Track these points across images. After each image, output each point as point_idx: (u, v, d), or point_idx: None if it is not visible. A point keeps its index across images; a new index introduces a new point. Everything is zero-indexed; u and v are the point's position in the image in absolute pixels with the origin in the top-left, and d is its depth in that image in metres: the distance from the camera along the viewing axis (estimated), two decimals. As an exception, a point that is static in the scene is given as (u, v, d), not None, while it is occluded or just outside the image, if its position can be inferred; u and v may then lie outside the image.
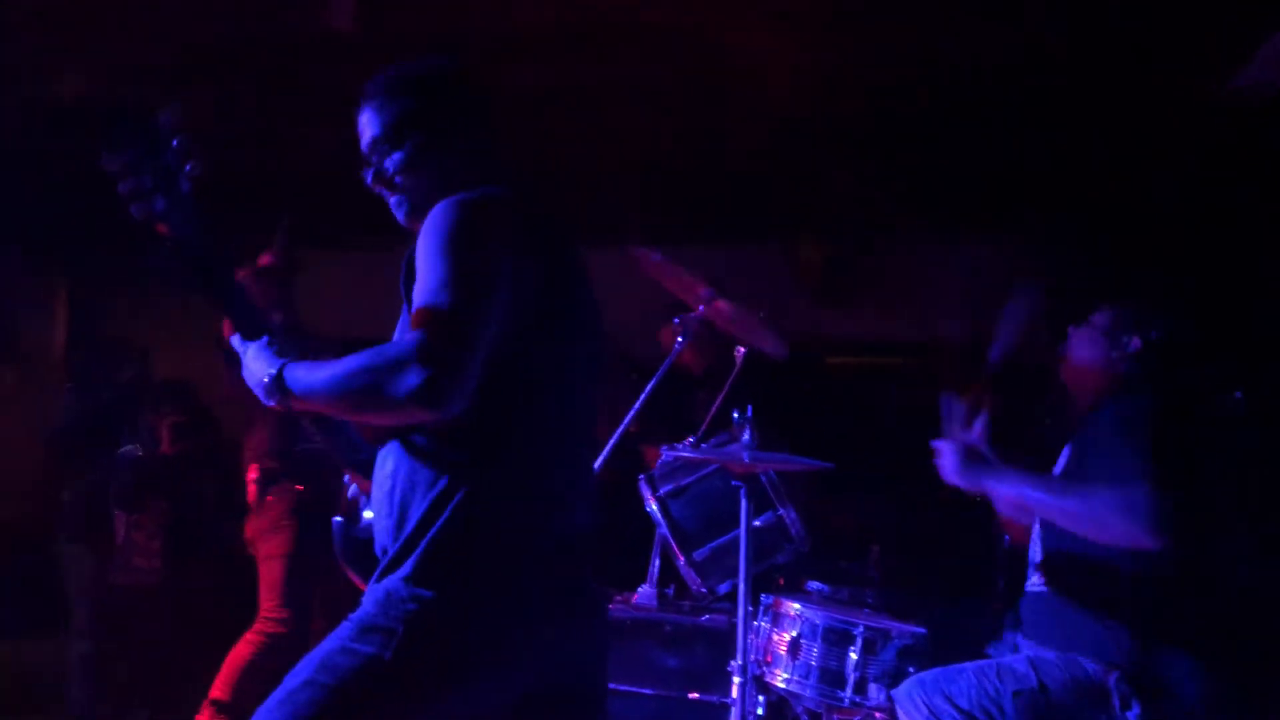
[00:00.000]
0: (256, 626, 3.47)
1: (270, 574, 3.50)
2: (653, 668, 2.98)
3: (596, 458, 1.83)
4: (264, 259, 3.57)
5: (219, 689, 3.35)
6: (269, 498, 3.55)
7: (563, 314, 1.67)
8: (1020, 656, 2.33)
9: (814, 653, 2.63)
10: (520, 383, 1.61)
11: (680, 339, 2.96)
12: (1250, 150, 4.23)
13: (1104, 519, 2.16)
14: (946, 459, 2.39)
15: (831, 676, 2.61)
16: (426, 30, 3.81)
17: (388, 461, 1.68)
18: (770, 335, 2.95)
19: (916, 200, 5.38)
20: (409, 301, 1.58)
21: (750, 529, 2.53)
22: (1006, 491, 2.36)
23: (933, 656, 2.64)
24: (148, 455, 4.31)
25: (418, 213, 1.74)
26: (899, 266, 5.83)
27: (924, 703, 2.25)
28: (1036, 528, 2.54)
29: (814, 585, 3.22)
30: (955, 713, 2.22)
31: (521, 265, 1.59)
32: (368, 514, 1.83)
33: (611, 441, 2.92)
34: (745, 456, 2.46)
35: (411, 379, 1.42)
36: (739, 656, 2.46)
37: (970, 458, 2.37)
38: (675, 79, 4.27)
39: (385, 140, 1.77)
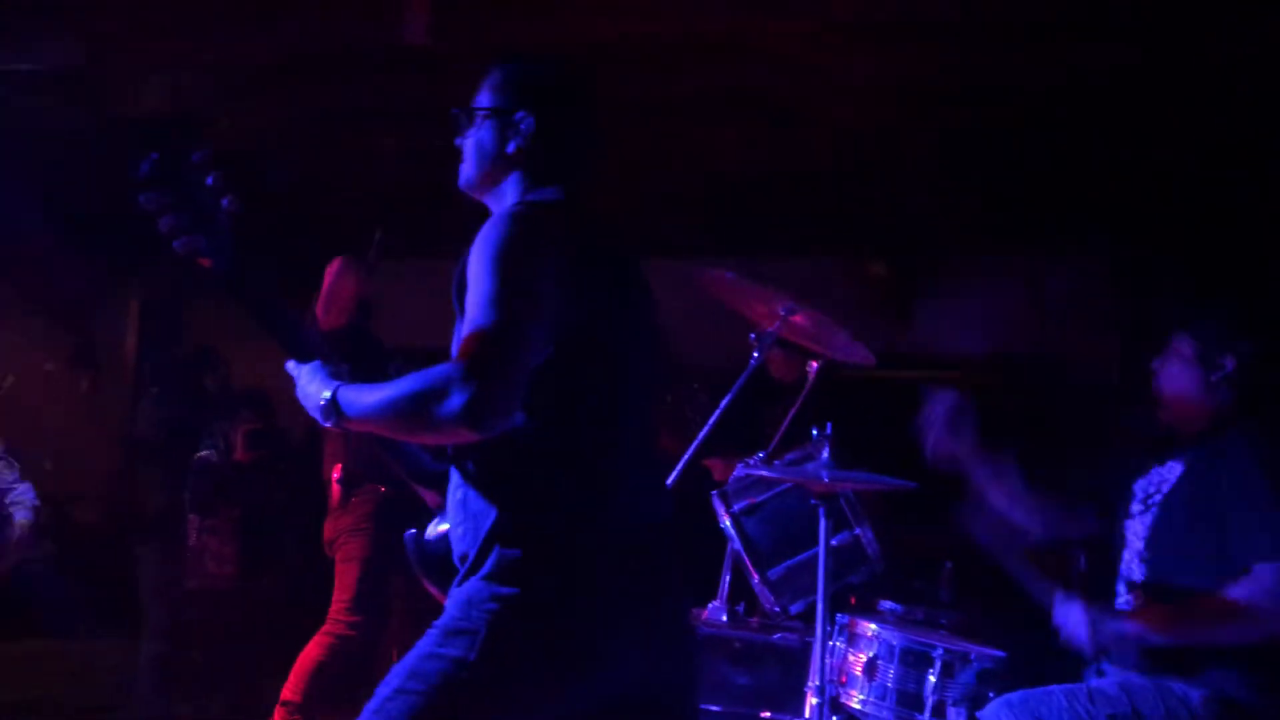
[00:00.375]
0: (326, 628, 3.51)
1: (346, 576, 3.53)
2: (723, 685, 2.96)
3: (659, 459, 1.84)
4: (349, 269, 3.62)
5: (289, 690, 3.40)
6: (353, 499, 3.58)
7: (618, 321, 1.71)
8: (1109, 680, 2.29)
9: (891, 674, 2.59)
10: (578, 384, 1.64)
11: (756, 354, 2.95)
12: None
13: (1239, 629, 2.17)
14: (1075, 628, 2.33)
15: (909, 699, 2.57)
16: (497, 43, 3.85)
17: (456, 470, 1.71)
18: (857, 345, 2.92)
19: (982, 214, 5.33)
20: (462, 310, 1.61)
21: (830, 549, 2.51)
22: (1142, 632, 2.30)
23: (1012, 681, 2.60)
24: (222, 461, 4.40)
25: (475, 185, 1.83)
26: (962, 280, 5.76)
27: None
28: (1135, 545, 2.49)
29: (887, 605, 3.17)
30: None
31: (572, 273, 1.62)
32: (442, 526, 1.84)
33: (685, 456, 2.92)
34: (825, 476, 2.44)
35: (454, 402, 1.44)
36: (815, 677, 2.44)
37: (1095, 620, 2.31)
38: (746, 93, 4.28)
39: (480, 111, 1.81)
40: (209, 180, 1.61)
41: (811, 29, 3.74)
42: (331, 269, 3.63)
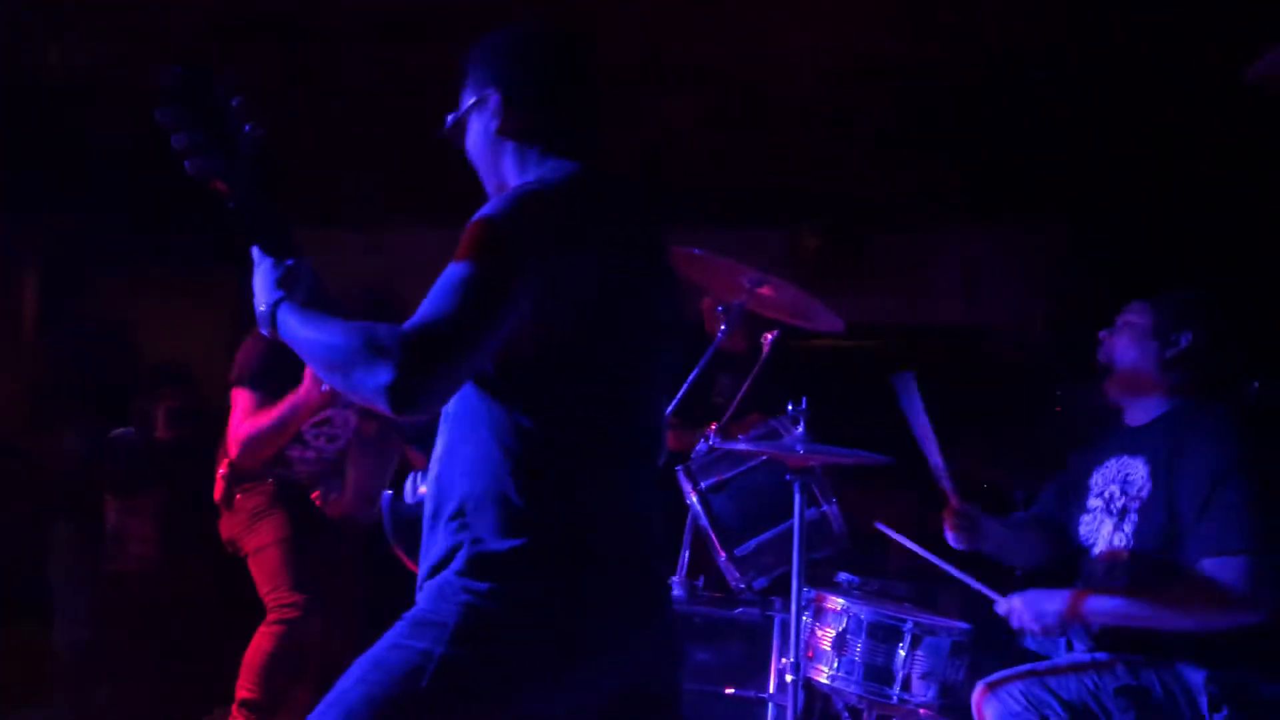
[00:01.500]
0: (269, 618, 3.33)
1: (266, 565, 3.35)
2: (684, 662, 2.93)
3: (661, 453, 1.76)
4: None
5: (245, 689, 3.23)
6: (237, 495, 3.42)
7: (624, 306, 1.60)
8: (1105, 655, 2.30)
9: (860, 648, 2.58)
10: (579, 371, 1.55)
11: (724, 326, 2.90)
12: (1260, 142, 4.25)
13: (1200, 620, 2.18)
14: (1022, 619, 2.33)
15: (878, 673, 2.56)
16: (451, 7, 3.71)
17: (441, 440, 1.62)
18: (827, 313, 2.89)
19: (917, 188, 5.37)
20: None
21: (797, 526, 2.49)
22: (1097, 617, 2.32)
23: (977, 653, 2.62)
24: (142, 440, 4.18)
25: (480, 168, 1.73)
26: (897, 253, 5.82)
27: (1024, 694, 2.23)
28: (1116, 555, 2.49)
29: (844, 577, 3.18)
30: (1059, 706, 2.20)
31: (569, 257, 1.52)
32: (422, 489, 1.75)
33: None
34: (800, 449, 2.41)
35: (381, 375, 1.37)
36: (791, 654, 2.41)
37: (1043, 606, 2.32)
38: (686, 65, 4.21)
39: (468, 89, 1.72)
40: (234, 102, 1.51)
41: (755, 2, 3.69)
42: None
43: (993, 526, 2.61)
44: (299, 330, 1.52)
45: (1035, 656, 2.65)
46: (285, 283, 1.57)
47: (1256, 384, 3.75)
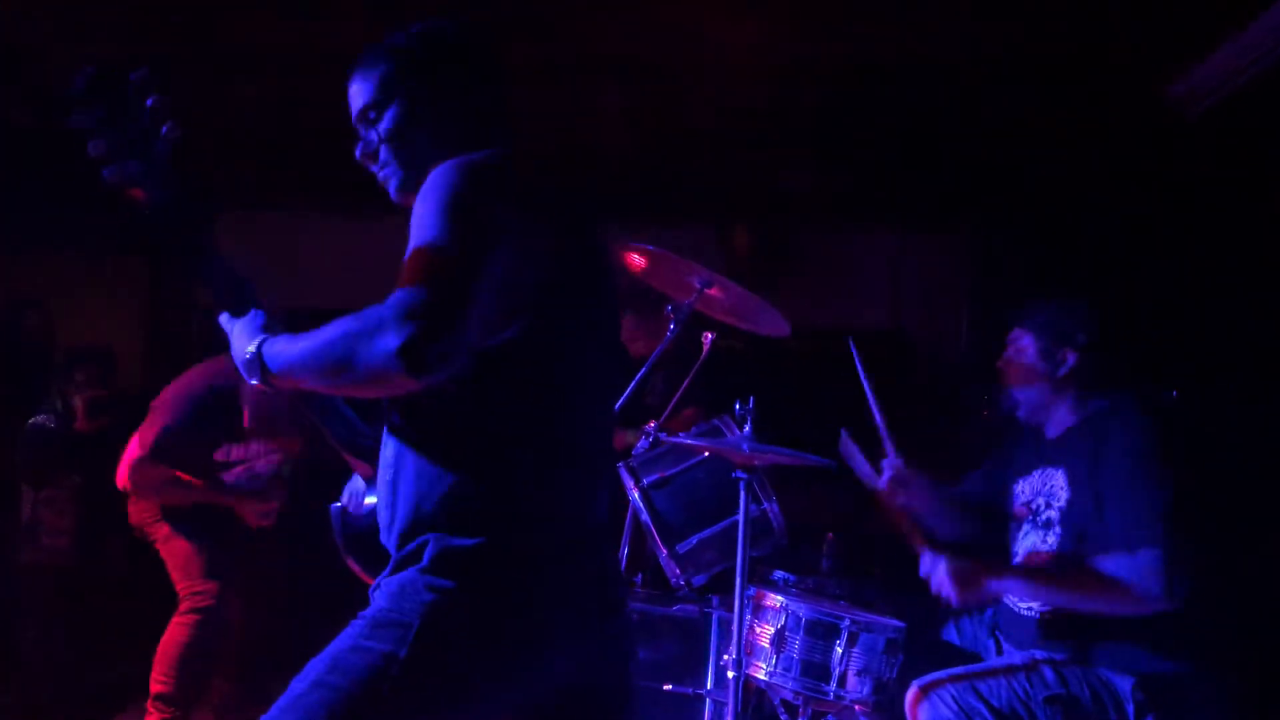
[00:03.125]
0: (182, 608, 3.26)
1: (177, 554, 3.30)
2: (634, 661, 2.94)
3: (609, 453, 1.76)
4: None
5: (159, 681, 3.15)
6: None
7: (575, 290, 1.58)
8: (1037, 655, 2.37)
9: (798, 645, 2.62)
10: (530, 364, 1.52)
11: (672, 326, 2.91)
12: (1182, 158, 4.42)
13: (1115, 605, 2.24)
14: (944, 583, 2.37)
15: (816, 670, 2.60)
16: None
17: (388, 447, 1.59)
18: (773, 314, 2.91)
19: (850, 190, 5.46)
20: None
21: (737, 522, 2.51)
22: (1013, 591, 2.38)
23: (911, 649, 2.68)
24: (60, 428, 4.03)
25: (409, 185, 1.63)
26: (827, 254, 5.90)
27: (955, 699, 2.27)
28: (1029, 539, 2.57)
29: (779, 575, 3.23)
30: (989, 713, 2.25)
31: (528, 233, 1.49)
32: (370, 499, 1.73)
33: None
34: (745, 447, 2.43)
35: (390, 340, 1.29)
36: (733, 651, 2.44)
37: (965, 575, 2.35)
38: (621, 59, 4.21)
39: (372, 107, 1.65)
40: (149, 102, 1.43)
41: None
42: None
43: (927, 488, 2.71)
44: (289, 351, 1.46)
45: (967, 655, 2.73)
46: (266, 327, 1.53)
47: (1175, 392, 3.90)
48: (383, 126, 1.65)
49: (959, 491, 2.85)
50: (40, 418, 4.05)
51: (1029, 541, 2.55)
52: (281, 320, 1.54)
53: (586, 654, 1.59)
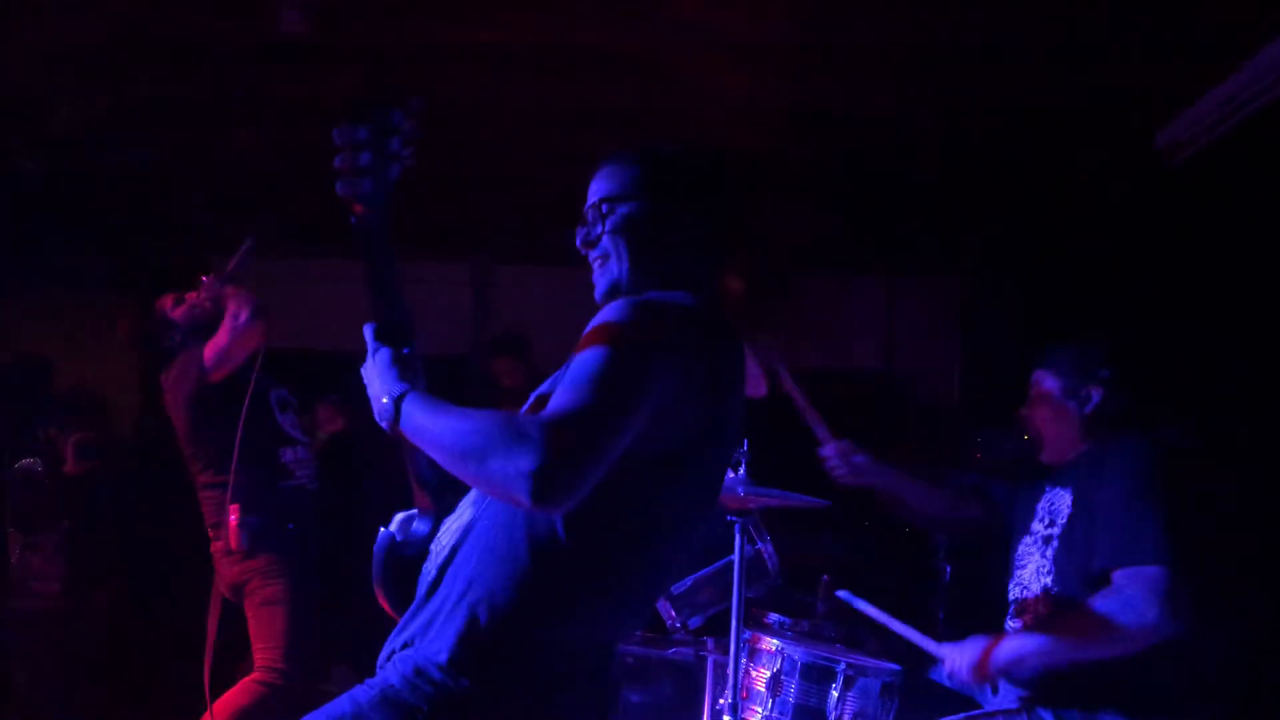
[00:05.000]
0: (255, 675, 3.19)
1: (271, 622, 3.19)
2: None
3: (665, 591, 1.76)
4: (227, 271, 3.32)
5: None
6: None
7: (705, 451, 1.56)
8: (1031, 700, 2.36)
9: (793, 689, 2.61)
10: (638, 514, 1.51)
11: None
12: (1168, 204, 4.48)
13: (1118, 642, 2.21)
14: (959, 669, 2.38)
15: (811, 714, 2.59)
16: (382, 39, 3.70)
17: (465, 517, 1.59)
18: (754, 374, 2.92)
19: (840, 234, 5.51)
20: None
21: (731, 564, 2.52)
22: (1020, 654, 2.35)
23: (907, 694, 2.67)
24: (48, 472, 4.00)
25: (613, 290, 1.66)
26: (820, 298, 5.95)
27: None
28: (1039, 578, 2.57)
29: (774, 618, 3.21)
30: None
31: (682, 393, 1.47)
32: (416, 525, 1.71)
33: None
34: (740, 490, 2.44)
35: (525, 462, 1.31)
36: (729, 695, 2.43)
37: (975, 657, 2.36)
38: (616, 105, 4.26)
39: (609, 201, 1.67)
40: (404, 129, 1.47)
41: (689, 46, 3.76)
42: (206, 290, 3.29)
43: (881, 468, 2.72)
44: (426, 420, 1.46)
45: (960, 696, 2.72)
46: (406, 374, 1.53)
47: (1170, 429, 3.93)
48: (611, 222, 1.66)
49: (972, 485, 2.86)
50: (28, 461, 4.02)
51: (1034, 555, 2.54)
52: (420, 364, 1.56)
53: None
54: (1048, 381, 2.62)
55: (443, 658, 1.47)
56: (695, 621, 2.82)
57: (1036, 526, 2.60)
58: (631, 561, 1.53)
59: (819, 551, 3.94)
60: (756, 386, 2.96)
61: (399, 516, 1.73)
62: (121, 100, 4.05)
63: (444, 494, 1.66)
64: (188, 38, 3.71)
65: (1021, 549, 2.61)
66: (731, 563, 2.57)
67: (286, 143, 4.36)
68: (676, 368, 1.46)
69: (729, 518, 2.45)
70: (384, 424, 1.52)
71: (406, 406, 1.50)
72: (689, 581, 2.73)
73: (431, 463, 1.63)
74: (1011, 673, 2.43)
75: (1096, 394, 2.55)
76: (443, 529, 1.63)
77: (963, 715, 2.38)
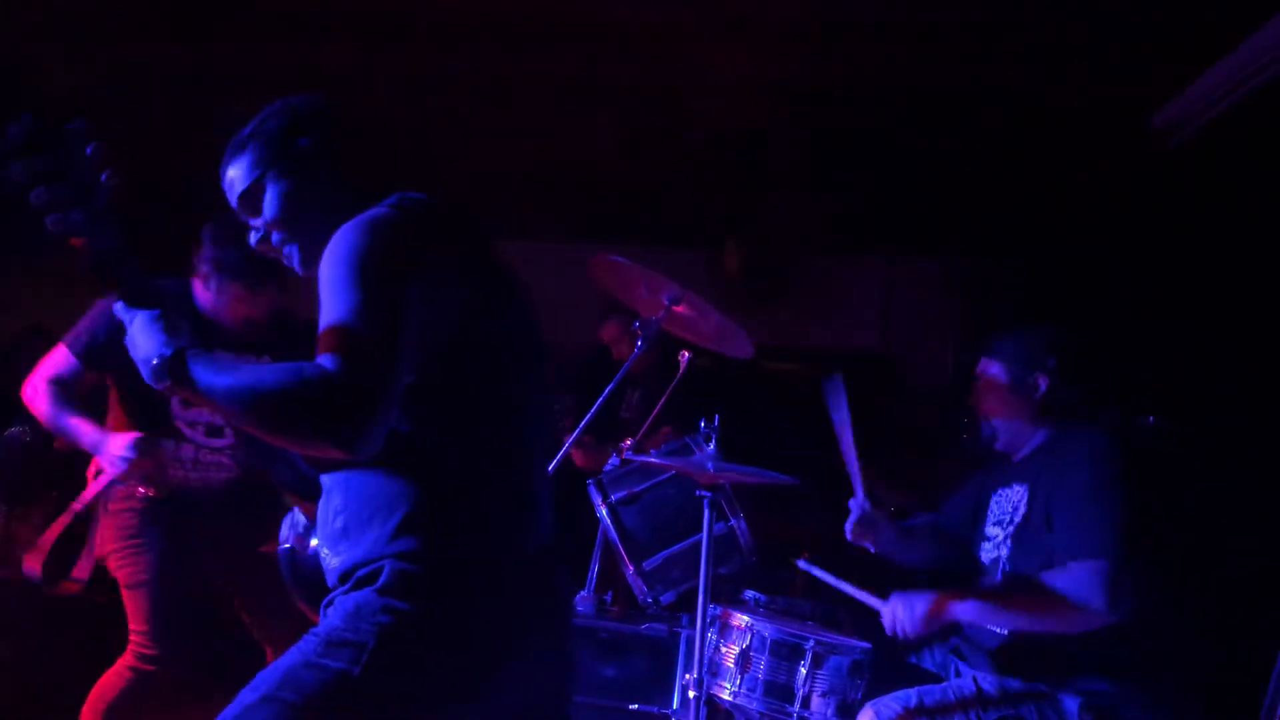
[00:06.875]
0: (125, 658, 3.11)
1: (136, 602, 3.08)
2: (590, 676, 2.91)
3: (549, 466, 1.76)
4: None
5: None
6: (110, 506, 3.08)
7: (497, 321, 1.61)
8: (989, 680, 2.36)
9: (762, 666, 2.60)
10: (463, 398, 1.55)
11: (640, 343, 2.91)
12: (1165, 185, 4.43)
13: (1062, 620, 2.24)
14: (898, 619, 2.39)
15: (779, 690, 2.58)
16: (373, 7, 3.68)
17: (334, 493, 1.61)
18: (739, 335, 2.91)
19: (837, 214, 5.47)
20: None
21: (705, 541, 2.50)
22: (967, 615, 2.38)
23: (876, 671, 2.66)
24: (38, 442, 4.01)
25: (311, 259, 1.65)
26: (817, 278, 5.92)
27: None
28: (988, 564, 2.56)
29: (750, 594, 3.20)
30: None
31: (442, 278, 1.52)
32: (314, 541, 1.73)
33: (565, 446, 2.85)
34: (710, 466, 2.42)
35: (326, 423, 1.34)
36: (695, 670, 2.42)
37: (914, 609, 2.37)
38: (617, 81, 4.23)
39: (249, 195, 1.68)
40: (88, 150, 1.42)
41: (699, 21, 3.73)
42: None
43: (888, 530, 2.73)
44: (213, 378, 1.44)
45: (932, 676, 2.71)
46: (172, 331, 1.50)
47: (1152, 419, 3.90)
48: (266, 210, 1.68)
49: (931, 522, 2.85)
50: (15, 430, 4.03)
51: (990, 556, 2.54)
52: (184, 327, 1.52)
53: (539, 676, 1.62)
54: (993, 369, 2.61)
55: (376, 587, 1.48)
56: (668, 597, 2.81)
57: (993, 530, 2.59)
58: (473, 441, 1.56)
59: (801, 528, 3.92)
60: (744, 348, 2.96)
61: (286, 529, 1.74)
62: (118, 68, 4.04)
63: (316, 488, 1.67)
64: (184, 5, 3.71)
65: (983, 554, 2.60)
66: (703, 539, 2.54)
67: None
68: (422, 259, 1.50)
69: (699, 493, 2.43)
70: (162, 385, 1.48)
71: (191, 365, 1.46)
72: (661, 557, 2.72)
73: (290, 466, 1.68)
74: (960, 628, 2.49)
75: (1043, 382, 2.54)
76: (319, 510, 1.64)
77: (919, 692, 2.37)
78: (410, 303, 1.45)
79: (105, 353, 2.93)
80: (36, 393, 2.98)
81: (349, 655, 1.45)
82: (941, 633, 2.62)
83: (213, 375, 1.44)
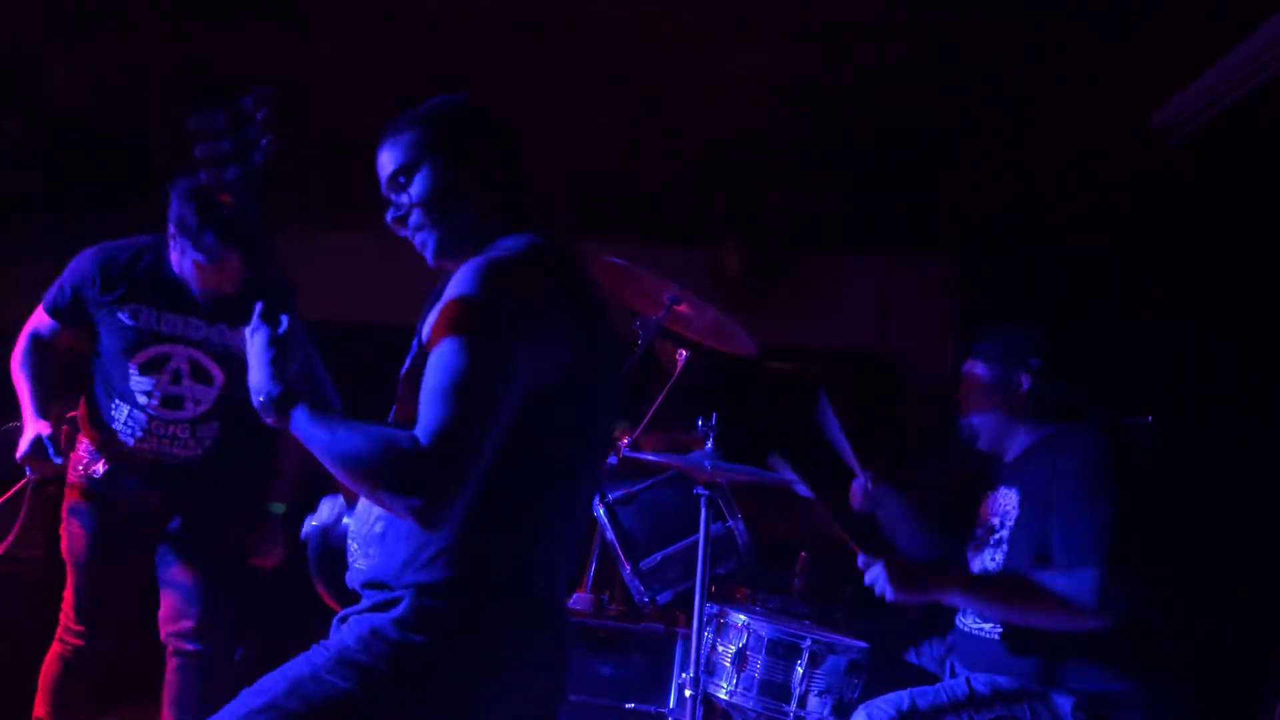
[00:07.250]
0: (56, 638, 3.15)
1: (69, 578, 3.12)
2: (587, 675, 2.92)
3: (587, 516, 1.79)
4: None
5: (39, 707, 3.10)
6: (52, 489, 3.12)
7: (585, 384, 1.61)
8: (982, 681, 2.36)
9: (759, 665, 2.60)
10: (533, 451, 1.56)
11: (640, 342, 2.91)
12: (1164, 184, 4.43)
13: (1052, 618, 2.24)
14: (880, 579, 2.37)
15: (776, 690, 2.58)
16: (373, 7, 3.67)
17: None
18: (740, 333, 2.91)
19: (836, 212, 5.47)
20: (421, 340, 1.56)
21: (702, 539, 2.50)
22: (950, 599, 2.38)
23: (874, 671, 2.66)
24: (35, 435, 3.99)
25: (444, 250, 1.69)
26: (816, 276, 5.91)
27: None
28: (983, 557, 2.56)
29: (747, 594, 3.21)
30: None
31: (548, 337, 1.53)
32: (346, 520, 1.72)
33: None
34: (707, 465, 2.42)
35: (411, 498, 1.38)
36: (691, 669, 2.42)
37: (904, 574, 2.36)
38: (617, 79, 4.23)
39: (402, 172, 1.69)
40: (259, 115, 1.49)
41: (700, 17, 3.72)
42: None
43: (894, 502, 2.75)
44: (311, 429, 1.51)
45: (928, 675, 2.71)
46: (280, 367, 1.56)
47: (1150, 418, 3.89)
48: (414, 190, 1.68)
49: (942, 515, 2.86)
50: (14, 425, 4.02)
51: (981, 560, 2.54)
52: (304, 341, 1.60)
53: (536, 696, 1.64)
54: (978, 369, 2.61)
55: (395, 617, 1.50)
56: (664, 597, 2.81)
57: (985, 534, 2.58)
58: (533, 497, 1.58)
59: (800, 528, 3.92)
60: (745, 345, 2.96)
61: (325, 506, 1.74)
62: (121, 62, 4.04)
63: None
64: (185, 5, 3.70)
65: (977, 559, 2.60)
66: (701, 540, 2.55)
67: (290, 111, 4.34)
68: (535, 331, 1.51)
69: (696, 490, 2.43)
70: (268, 420, 1.57)
71: (297, 415, 1.53)
72: (658, 557, 2.72)
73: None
74: (955, 626, 2.50)
75: (1026, 381, 2.53)
76: (360, 504, 1.65)
77: (911, 694, 2.37)
78: (516, 365, 1.47)
79: (72, 309, 2.94)
80: (17, 345, 3.02)
81: (357, 677, 1.47)
82: (940, 631, 2.61)
83: (311, 426, 1.51)
